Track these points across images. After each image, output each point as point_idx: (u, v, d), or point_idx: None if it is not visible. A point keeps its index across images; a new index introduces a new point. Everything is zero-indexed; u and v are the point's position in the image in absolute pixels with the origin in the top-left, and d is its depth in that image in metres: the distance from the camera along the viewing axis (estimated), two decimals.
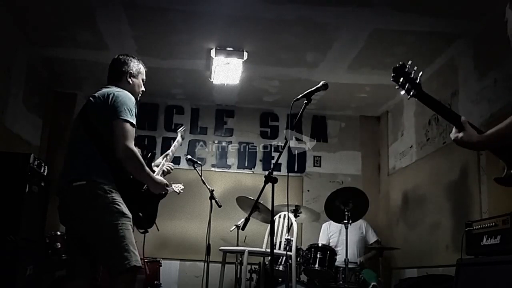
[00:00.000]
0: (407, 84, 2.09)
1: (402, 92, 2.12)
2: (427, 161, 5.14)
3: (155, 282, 4.84)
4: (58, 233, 4.46)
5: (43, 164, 4.34)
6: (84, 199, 2.59)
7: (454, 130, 2.07)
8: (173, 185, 3.80)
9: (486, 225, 3.11)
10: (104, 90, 2.77)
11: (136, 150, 2.68)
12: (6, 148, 4.43)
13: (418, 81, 2.08)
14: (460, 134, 2.02)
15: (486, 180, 4.01)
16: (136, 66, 2.95)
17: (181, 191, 3.92)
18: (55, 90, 6.04)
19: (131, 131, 2.65)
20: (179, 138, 3.74)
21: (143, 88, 3.02)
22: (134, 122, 2.69)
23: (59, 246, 4.39)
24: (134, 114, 2.71)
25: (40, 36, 4.84)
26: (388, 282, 5.52)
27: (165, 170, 3.30)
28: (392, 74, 2.12)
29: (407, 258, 5.36)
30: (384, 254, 4.95)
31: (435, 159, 4.96)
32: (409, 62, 2.10)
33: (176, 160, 6.18)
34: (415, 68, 2.09)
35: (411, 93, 2.08)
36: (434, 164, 4.98)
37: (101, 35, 4.70)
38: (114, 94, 2.70)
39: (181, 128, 3.85)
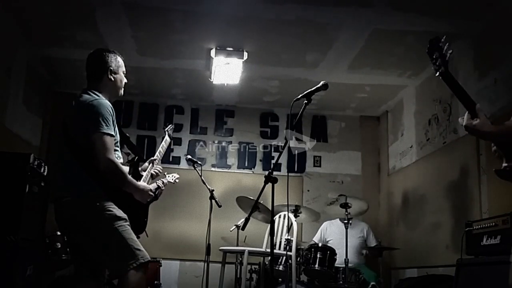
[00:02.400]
0: (439, 60, 2.02)
1: (434, 67, 2.06)
2: (427, 161, 5.14)
3: (155, 282, 4.84)
4: (58, 233, 4.43)
5: (43, 164, 4.34)
6: (75, 214, 2.60)
7: (466, 116, 2.03)
8: (167, 176, 3.74)
9: (486, 225, 3.11)
10: (81, 99, 2.69)
11: (118, 160, 2.65)
12: (6, 148, 4.42)
13: (447, 58, 2.02)
14: (474, 121, 1.99)
15: (486, 180, 4.01)
16: (115, 60, 2.85)
17: (177, 180, 3.83)
18: (55, 90, 6.04)
19: (110, 142, 2.60)
20: (166, 137, 3.63)
21: (125, 81, 2.93)
22: (112, 132, 2.62)
23: (59, 246, 4.38)
24: (111, 122, 2.63)
25: (40, 36, 4.83)
26: (388, 282, 5.52)
27: (153, 173, 3.21)
28: (428, 46, 2.06)
29: (407, 258, 5.36)
30: (384, 254, 4.95)
31: (435, 159, 4.96)
32: (444, 37, 2.05)
33: (176, 160, 6.19)
34: (447, 44, 2.04)
35: (440, 70, 2.02)
36: (434, 164, 4.98)
37: (101, 35, 4.69)
38: (88, 104, 2.63)
39: (168, 127, 3.76)
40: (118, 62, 2.87)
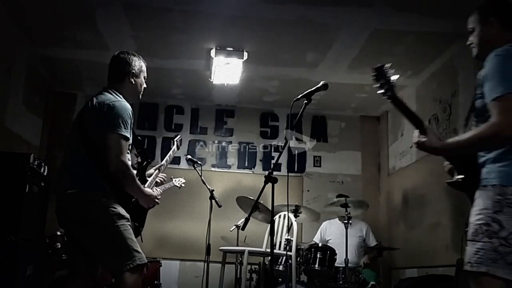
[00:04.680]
0: (386, 85, 2.22)
1: (380, 91, 2.23)
2: (427, 161, 5.13)
3: (155, 282, 4.83)
4: (58, 233, 4.45)
5: (43, 164, 4.34)
6: (79, 206, 2.60)
7: (416, 133, 2.25)
8: (174, 180, 3.80)
9: None
10: (102, 97, 2.71)
11: (129, 162, 2.68)
12: (6, 148, 4.43)
13: (393, 83, 2.22)
14: (423, 138, 2.20)
15: None
16: (138, 64, 2.88)
17: (183, 185, 3.89)
18: (55, 90, 6.05)
19: (125, 145, 2.63)
20: (174, 148, 3.73)
21: (144, 85, 2.97)
22: (128, 135, 2.65)
23: (59, 246, 4.38)
24: (129, 126, 2.66)
25: (40, 36, 4.84)
26: (388, 282, 5.52)
27: (158, 181, 3.30)
28: (373, 73, 2.25)
29: (407, 258, 5.36)
30: (384, 254, 4.95)
31: (435, 159, 4.92)
32: (389, 64, 2.23)
33: (176, 160, 6.18)
34: (393, 70, 2.23)
35: (388, 94, 2.20)
36: (434, 164, 4.97)
37: (101, 35, 4.70)
38: (109, 105, 2.65)
39: (177, 138, 3.85)
40: (141, 67, 2.91)
